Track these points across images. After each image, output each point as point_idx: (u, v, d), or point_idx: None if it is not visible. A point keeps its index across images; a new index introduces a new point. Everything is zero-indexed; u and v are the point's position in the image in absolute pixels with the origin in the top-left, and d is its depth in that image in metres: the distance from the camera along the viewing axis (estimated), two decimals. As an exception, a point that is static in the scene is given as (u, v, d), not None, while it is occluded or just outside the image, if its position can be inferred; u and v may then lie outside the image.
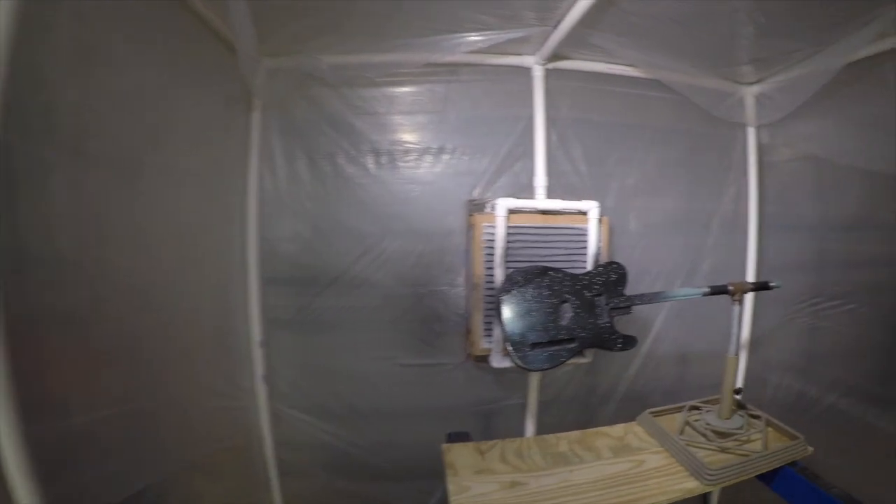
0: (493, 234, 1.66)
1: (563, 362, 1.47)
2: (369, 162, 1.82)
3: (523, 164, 1.85)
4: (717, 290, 1.54)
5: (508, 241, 1.67)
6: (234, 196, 1.76)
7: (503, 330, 1.46)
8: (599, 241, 1.74)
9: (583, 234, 1.73)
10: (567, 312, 1.50)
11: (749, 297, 2.14)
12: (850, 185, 1.86)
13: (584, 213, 1.73)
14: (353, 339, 1.86)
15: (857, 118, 1.83)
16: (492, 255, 1.66)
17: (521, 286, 1.47)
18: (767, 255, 2.12)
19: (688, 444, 1.40)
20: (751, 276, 2.11)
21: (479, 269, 1.67)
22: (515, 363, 1.44)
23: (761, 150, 2.14)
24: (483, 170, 1.83)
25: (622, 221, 1.94)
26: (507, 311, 1.46)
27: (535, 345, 1.44)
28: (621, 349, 1.53)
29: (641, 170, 1.99)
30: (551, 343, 1.46)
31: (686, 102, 1.98)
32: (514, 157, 1.85)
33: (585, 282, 1.53)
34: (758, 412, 1.57)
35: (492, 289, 1.67)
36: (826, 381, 1.87)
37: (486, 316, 1.68)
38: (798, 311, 1.97)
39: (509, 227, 1.67)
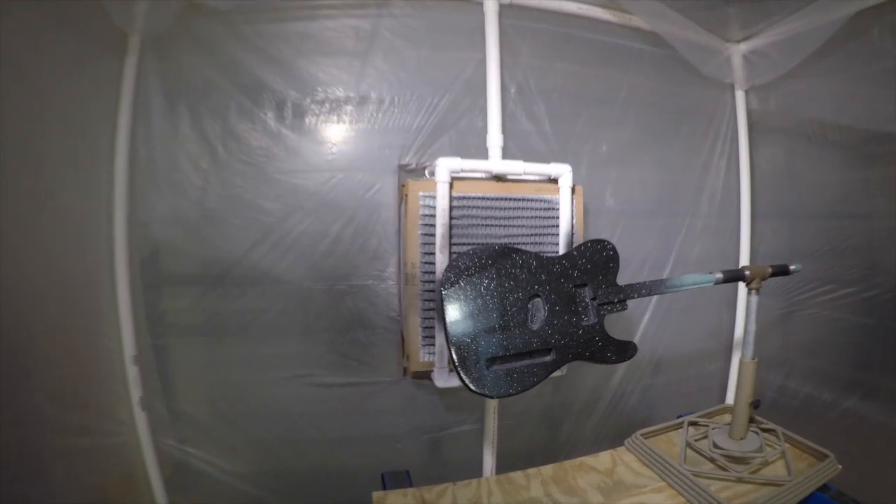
0: (432, 206, 1.21)
1: (535, 383, 1.01)
2: (271, 118, 1.34)
3: (471, 120, 1.41)
4: (732, 277, 1.17)
5: (453, 217, 1.23)
6: (100, 168, 1.26)
7: (447, 339, 0.99)
8: (573, 217, 1.32)
9: (552, 207, 1.31)
10: (539, 311, 1.05)
11: (743, 286, 1.78)
12: (854, 153, 1.57)
13: (553, 181, 1.31)
14: (256, 353, 1.38)
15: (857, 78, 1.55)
16: (432, 235, 1.21)
17: (472, 275, 1.02)
18: (765, 237, 1.77)
19: (696, 475, 1.08)
20: (746, 262, 1.76)
21: (414, 254, 1.21)
22: (467, 386, 0.97)
23: (752, 117, 1.79)
24: (419, 126, 1.38)
25: (598, 197, 1.54)
26: (453, 312, 1.00)
27: (493, 360, 0.99)
28: (616, 361, 1.10)
29: (618, 134, 1.60)
30: (518, 356, 1.01)
31: (668, 59, 1.62)
32: (460, 112, 1.41)
33: (563, 267, 1.08)
34: (770, 425, 1.26)
35: (432, 282, 1.22)
36: (842, 381, 1.55)
37: (426, 318, 1.23)
38: (802, 301, 1.62)
39: (454, 198, 1.23)
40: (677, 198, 1.70)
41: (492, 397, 1.01)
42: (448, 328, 0.98)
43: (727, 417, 1.32)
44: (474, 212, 1.25)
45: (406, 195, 1.23)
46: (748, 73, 1.76)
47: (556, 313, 1.05)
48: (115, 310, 1.28)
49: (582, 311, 1.08)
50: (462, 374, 0.96)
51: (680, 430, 1.30)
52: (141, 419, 1.31)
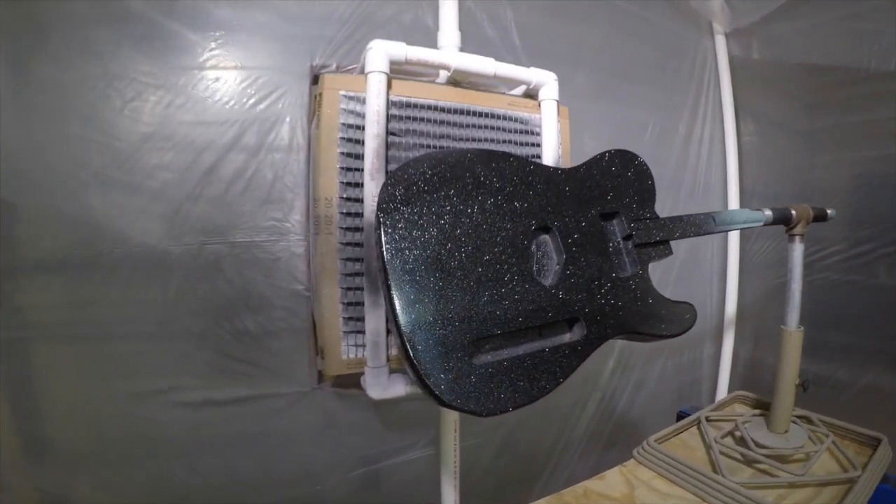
0: (360, 112, 0.77)
1: (555, 383, 0.58)
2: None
3: (417, 14, 0.98)
4: (780, 217, 0.86)
5: (392, 131, 0.79)
6: None
7: (391, 311, 0.53)
8: (560, 146, 0.92)
9: (530, 131, 0.90)
10: (550, 256, 0.64)
11: (734, 255, 1.48)
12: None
13: (531, 97, 0.91)
14: (97, 356, 0.83)
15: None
16: (359, 155, 0.76)
17: (432, 193, 0.58)
18: (756, 190, 1.48)
19: (749, 487, 0.78)
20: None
21: (331, 185, 0.76)
22: (435, 397, 0.52)
23: (735, 65, 1.51)
24: (343, 15, 0.93)
25: (575, 133, 1.15)
26: (401, 259, 0.54)
27: (478, 346, 0.56)
28: (673, 332, 0.70)
29: (598, 61, 1.23)
30: (520, 336, 0.59)
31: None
32: (402, 1, 0.97)
33: (581, 185, 0.68)
34: (801, 410, 0.98)
35: (359, 228, 0.77)
36: (860, 354, 1.27)
37: (350, 289, 0.77)
38: (809, 265, 1.32)
39: (394, 103, 0.79)
40: (664, 141, 1.36)
41: (481, 415, 0.54)
42: (393, 291, 0.53)
43: (739, 408, 1.09)
44: (422, 126, 0.81)
45: (320, 98, 0.77)
46: (731, 14, 1.48)
47: (577, 260, 0.64)
48: None
49: (614, 255, 0.68)
50: (423, 376, 0.51)
51: (692, 431, 0.98)
52: None
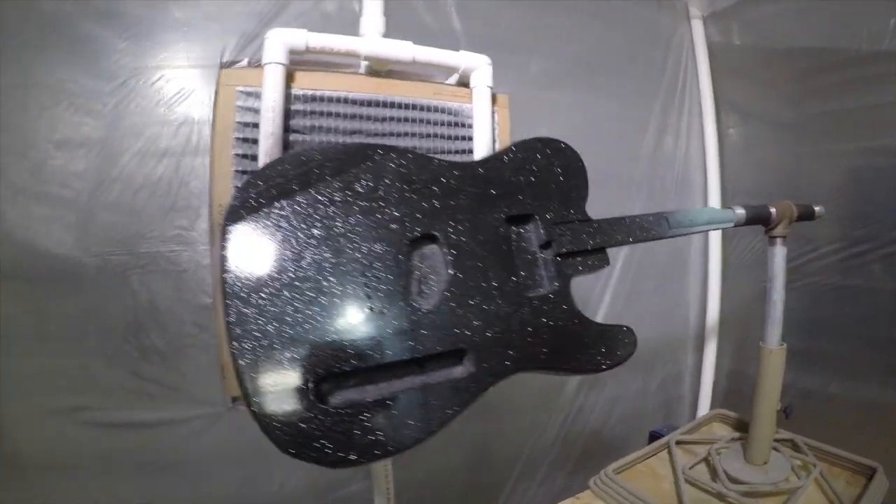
0: (257, 109, 0.68)
1: (429, 431, 0.48)
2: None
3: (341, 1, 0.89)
4: (756, 216, 0.73)
5: (295, 128, 0.70)
6: None
7: (228, 336, 0.44)
8: (496, 140, 0.82)
9: (461, 123, 0.80)
10: (434, 270, 0.54)
11: (715, 256, 1.35)
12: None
13: (461, 86, 0.82)
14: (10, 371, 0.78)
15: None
16: (254, 158, 0.68)
17: (290, 198, 0.48)
18: (740, 183, 1.34)
19: None
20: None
21: (226, 191, 0.67)
22: (271, 439, 0.43)
23: (713, 51, 1.38)
24: (262, 9, 0.85)
25: (529, 125, 1.05)
26: (245, 275, 0.45)
27: (331, 382, 0.46)
28: (606, 364, 0.58)
29: (558, 48, 1.13)
30: (388, 371, 0.49)
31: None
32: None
33: (484, 183, 0.57)
34: (785, 433, 0.86)
35: (258, 235, 0.68)
36: (854, 365, 1.13)
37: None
38: (796, 269, 1.18)
39: (298, 97, 0.70)
40: (636, 137, 1.25)
41: (326, 465, 0.44)
42: (228, 311, 0.44)
43: (718, 429, 0.95)
44: (332, 122, 0.72)
45: (216, 95, 0.69)
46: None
47: (469, 276, 0.54)
48: None
49: (524, 269, 0.57)
50: (258, 415, 0.43)
51: (662, 456, 0.86)
52: None
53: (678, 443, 0.87)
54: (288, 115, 0.69)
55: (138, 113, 0.81)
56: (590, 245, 0.60)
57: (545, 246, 0.59)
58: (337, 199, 0.50)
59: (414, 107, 0.77)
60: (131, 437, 0.82)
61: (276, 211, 0.48)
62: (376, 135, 0.75)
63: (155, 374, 0.81)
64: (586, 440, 1.16)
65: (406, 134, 0.76)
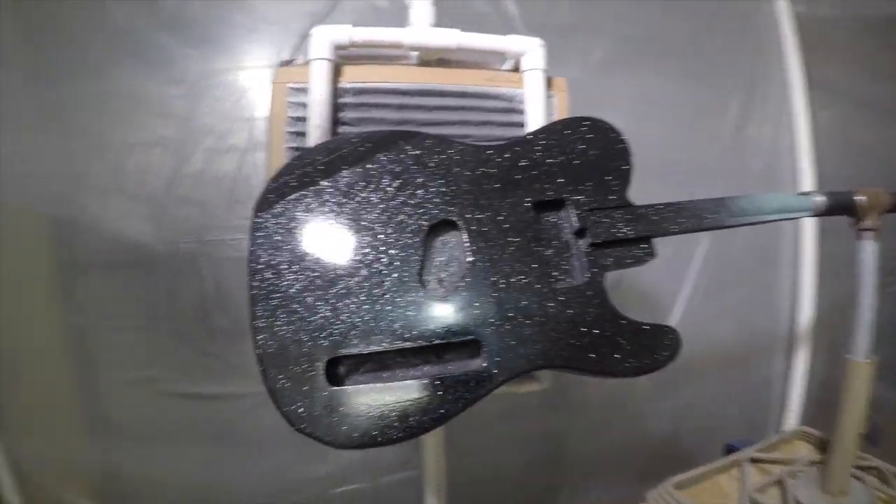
0: (305, 104, 0.69)
1: (441, 418, 0.46)
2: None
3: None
4: (838, 204, 0.63)
5: (344, 120, 0.70)
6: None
7: (249, 311, 0.47)
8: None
9: (514, 109, 0.76)
10: (452, 256, 0.52)
11: (809, 249, 1.19)
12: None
13: (515, 71, 0.78)
14: (102, 345, 0.90)
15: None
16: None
17: (317, 185, 0.50)
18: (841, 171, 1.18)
19: None
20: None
21: (280, 183, 0.69)
22: (283, 414, 0.45)
23: (800, 24, 1.23)
24: (308, 10, 0.87)
25: (594, 109, 0.99)
26: (266, 256, 0.48)
27: (343, 364, 0.48)
28: (635, 369, 0.51)
29: (621, 28, 1.05)
30: (399, 358, 0.49)
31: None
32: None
33: (511, 166, 0.55)
34: (871, 460, 0.74)
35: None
36: None
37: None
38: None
39: (346, 90, 0.70)
40: (712, 122, 1.14)
41: (331, 445, 0.45)
42: (251, 286, 0.47)
43: (799, 448, 0.85)
44: (381, 113, 0.71)
45: (273, 93, 0.71)
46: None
47: (491, 263, 0.52)
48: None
49: (553, 258, 0.54)
50: (273, 390, 0.45)
51: (733, 474, 0.77)
52: None
53: (752, 460, 0.78)
54: (337, 108, 0.69)
55: (206, 113, 0.86)
56: (629, 234, 0.55)
57: (579, 234, 0.55)
58: (358, 185, 0.51)
59: (464, 94, 0.74)
60: (198, 407, 0.89)
61: (299, 199, 0.50)
62: (425, 124, 0.72)
63: (220, 351, 0.87)
64: (655, 447, 1.08)
65: (457, 122, 0.74)
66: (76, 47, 0.84)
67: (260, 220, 0.50)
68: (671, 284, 1.08)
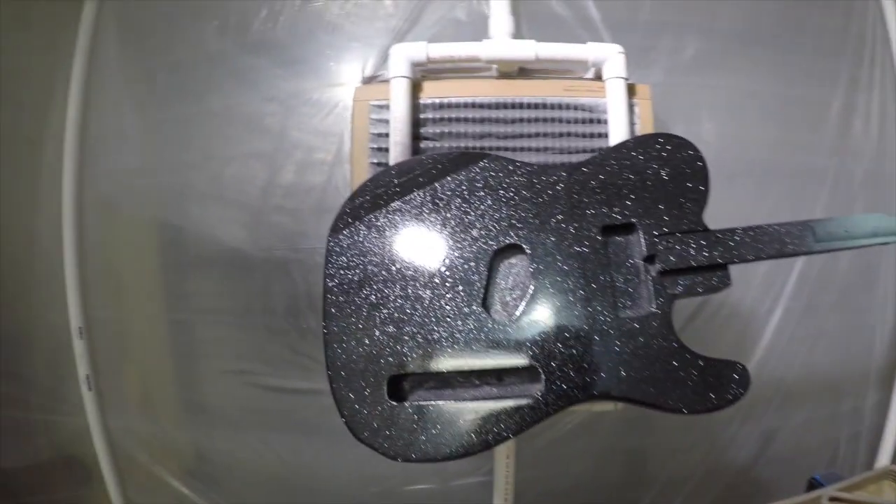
0: (387, 120, 0.70)
1: (495, 439, 0.47)
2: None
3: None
4: None
5: (426, 136, 0.71)
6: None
7: (323, 320, 0.51)
8: (635, 134, 0.74)
9: (595, 119, 0.74)
10: (517, 282, 0.52)
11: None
12: None
13: (597, 79, 0.75)
14: (200, 338, 1.00)
15: None
16: (385, 166, 0.70)
17: (388, 206, 0.53)
18: None
19: None
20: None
21: (363, 197, 0.71)
22: (349, 429, 0.48)
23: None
24: (399, 24, 0.89)
25: (681, 114, 0.93)
26: (338, 278, 0.52)
27: (406, 382, 0.50)
28: (694, 407, 0.48)
29: (712, 23, 0.98)
30: (461, 380, 0.50)
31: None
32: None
33: (578, 187, 0.53)
34: None
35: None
36: None
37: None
38: None
39: (427, 105, 0.71)
40: (810, 123, 1.03)
41: (389, 457, 0.48)
42: (326, 299, 0.51)
43: (887, 490, 0.77)
44: (461, 127, 0.71)
45: (352, 110, 0.73)
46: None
47: (555, 288, 0.51)
48: (62, 277, 0.94)
49: (619, 285, 0.52)
50: (338, 401, 0.49)
51: None
52: (88, 399, 0.96)
53: (832, 499, 0.70)
54: (418, 123, 0.70)
55: (297, 129, 0.91)
56: (701, 261, 0.51)
57: (648, 260, 0.52)
58: (428, 207, 0.52)
59: (544, 106, 0.72)
60: (286, 400, 0.94)
61: (371, 222, 0.52)
62: (506, 137, 0.72)
63: (308, 350, 0.91)
64: (733, 475, 0.99)
65: (537, 134, 0.72)
66: (180, 72, 0.93)
67: (333, 241, 0.52)
68: (765, 303, 0.99)
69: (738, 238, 0.52)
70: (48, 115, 0.91)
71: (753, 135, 1.00)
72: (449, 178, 0.53)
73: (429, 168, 0.54)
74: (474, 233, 0.51)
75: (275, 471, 0.97)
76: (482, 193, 0.53)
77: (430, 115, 0.71)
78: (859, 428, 1.08)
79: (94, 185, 0.94)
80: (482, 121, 0.72)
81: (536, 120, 0.72)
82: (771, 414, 1.00)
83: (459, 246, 0.51)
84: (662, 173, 0.53)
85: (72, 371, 0.93)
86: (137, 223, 0.99)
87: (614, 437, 0.97)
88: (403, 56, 0.68)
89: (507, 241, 0.51)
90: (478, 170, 0.53)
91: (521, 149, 0.71)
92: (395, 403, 0.48)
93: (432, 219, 0.52)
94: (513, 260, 0.53)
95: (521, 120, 0.72)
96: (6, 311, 0.87)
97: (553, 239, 0.52)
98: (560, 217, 0.52)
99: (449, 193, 0.53)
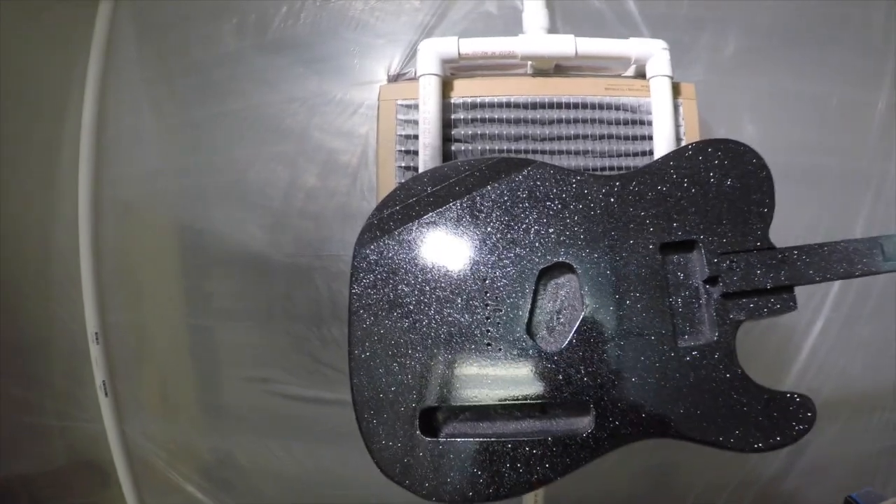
0: (415, 121, 0.65)
1: (527, 488, 0.42)
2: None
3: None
4: None
5: (458, 137, 0.66)
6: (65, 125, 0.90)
7: (348, 345, 0.46)
8: (680, 136, 0.68)
9: (638, 120, 0.68)
10: (564, 306, 0.46)
11: None
12: None
13: (638, 77, 0.69)
14: (220, 343, 0.95)
15: None
16: (414, 169, 0.65)
17: (420, 218, 0.47)
18: None
19: None
20: None
21: (390, 203, 0.66)
22: (376, 462, 0.44)
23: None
24: (425, 20, 0.83)
25: (724, 115, 0.87)
26: (365, 299, 0.46)
27: (438, 416, 0.45)
28: (766, 444, 0.43)
29: (754, 19, 0.92)
30: (501, 414, 0.45)
31: None
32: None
33: (632, 200, 0.47)
34: None
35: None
36: None
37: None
38: None
39: (458, 105, 0.66)
40: (855, 124, 0.96)
41: (420, 496, 0.43)
42: (351, 321, 0.46)
43: None
44: (496, 129, 0.66)
45: (378, 110, 0.68)
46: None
47: (608, 314, 0.45)
48: (78, 282, 0.91)
49: (679, 310, 0.46)
50: (365, 435, 0.45)
51: None
52: (105, 405, 0.93)
53: None
54: (449, 124, 0.65)
55: (321, 130, 0.87)
56: (769, 283, 0.45)
57: (709, 281, 0.46)
58: (465, 220, 0.47)
59: (584, 105, 0.67)
60: (307, 409, 0.90)
61: (402, 235, 0.47)
62: (543, 139, 0.67)
63: (331, 360, 0.87)
64: (766, 488, 0.94)
65: (577, 136, 0.67)
66: (200, 74, 0.88)
67: (359, 256, 0.48)
68: (805, 315, 0.92)
69: (805, 257, 0.46)
70: (64, 118, 0.87)
71: (795, 137, 0.93)
72: (489, 188, 0.47)
73: (466, 175, 0.48)
74: (518, 250, 0.46)
75: (295, 478, 0.93)
76: (526, 205, 0.47)
77: (461, 116, 0.66)
78: (895, 441, 1.02)
79: (111, 188, 0.91)
80: (517, 122, 0.67)
81: (576, 121, 0.67)
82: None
83: (501, 264, 0.46)
84: (725, 185, 0.47)
85: (88, 376, 0.90)
86: (156, 227, 0.95)
87: (646, 452, 0.91)
88: (433, 52, 0.63)
89: (554, 260, 0.46)
90: (521, 178, 0.48)
91: (560, 152, 0.66)
92: (427, 439, 0.43)
93: (471, 233, 0.47)
94: (561, 280, 0.47)
95: (560, 121, 0.67)
96: (23, 317, 0.84)
97: (606, 258, 0.46)
98: (614, 233, 0.46)
99: (489, 204, 0.47)
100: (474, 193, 0.48)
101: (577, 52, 0.64)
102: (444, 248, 0.47)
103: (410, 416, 0.43)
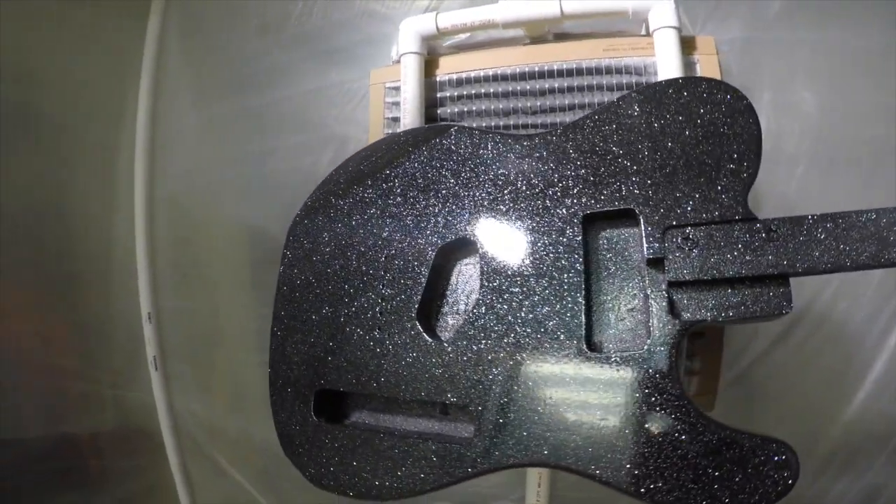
0: (399, 102, 0.62)
1: (419, 489, 0.35)
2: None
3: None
4: None
5: (444, 115, 0.61)
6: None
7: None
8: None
9: (643, 80, 0.59)
10: (465, 291, 0.40)
11: None
12: None
13: (645, 35, 0.60)
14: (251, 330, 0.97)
15: None
16: (401, 150, 0.62)
17: (338, 199, 0.45)
18: None
19: None
20: None
21: (378, 186, 0.64)
22: (279, 438, 0.42)
23: None
24: (422, 5, 0.79)
25: (781, 80, 0.73)
26: (293, 280, 0.45)
27: (347, 400, 0.43)
28: None
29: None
30: (405, 404, 0.41)
31: None
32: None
33: (566, 154, 0.36)
34: None
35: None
36: None
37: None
38: None
39: (445, 82, 0.62)
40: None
41: (307, 479, 0.40)
42: (275, 303, 0.46)
43: None
44: (485, 104, 0.61)
45: (369, 93, 0.66)
46: None
47: (512, 305, 0.36)
48: (133, 264, 0.98)
49: (606, 304, 0.36)
50: (273, 412, 0.43)
51: None
52: (155, 379, 0.98)
53: None
54: (437, 103, 0.61)
55: (332, 120, 0.86)
56: (743, 270, 0.31)
57: (654, 265, 0.34)
58: (384, 196, 0.43)
59: (579, 72, 0.60)
60: None
61: (329, 213, 0.45)
62: (535, 112, 0.60)
63: None
64: None
65: (572, 107, 0.60)
66: (225, 71, 0.91)
67: (290, 237, 0.47)
68: (878, 322, 0.72)
69: (805, 232, 0.31)
70: (121, 124, 0.94)
71: (864, 106, 0.75)
72: (410, 160, 0.43)
73: (387, 149, 0.44)
74: (423, 224, 0.40)
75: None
76: (439, 174, 0.41)
77: (447, 94, 0.62)
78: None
79: (163, 184, 0.97)
80: (507, 95, 0.61)
81: (570, 89, 0.60)
82: (878, 467, 0.72)
83: (403, 242, 0.41)
84: (686, 136, 0.34)
85: (142, 354, 0.97)
86: (206, 218, 1.00)
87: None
88: (412, 30, 0.60)
89: (452, 236, 0.39)
90: (442, 146, 0.42)
91: (554, 125, 0.59)
92: (322, 422, 0.40)
93: (389, 210, 0.42)
94: (467, 260, 0.40)
95: (553, 90, 0.60)
96: (84, 300, 0.92)
97: (513, 233, 0.37)
98: (523, 203, 0.37)
99: (407, 179, 0.42)
100: (395, 167, 0.43)
101: (562, 12, 0.56)
102: (361, 227, 0.43)
103: (306, 397, 0.41)
